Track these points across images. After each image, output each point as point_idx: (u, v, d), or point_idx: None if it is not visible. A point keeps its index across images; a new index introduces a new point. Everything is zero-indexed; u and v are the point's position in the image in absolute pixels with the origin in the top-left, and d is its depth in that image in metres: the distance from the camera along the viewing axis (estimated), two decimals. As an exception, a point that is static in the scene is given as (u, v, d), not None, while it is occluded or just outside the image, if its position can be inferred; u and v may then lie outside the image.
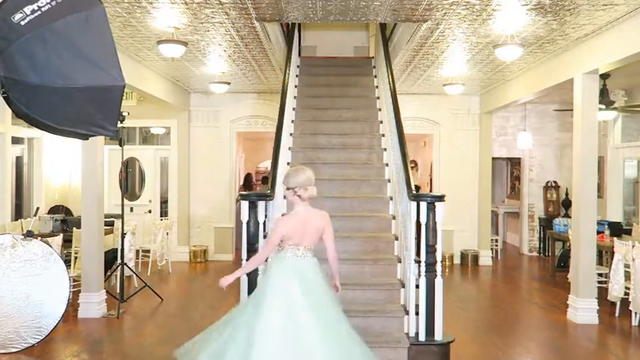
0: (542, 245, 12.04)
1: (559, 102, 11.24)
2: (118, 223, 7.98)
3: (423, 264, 4.75)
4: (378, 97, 8.29)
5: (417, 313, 4.79)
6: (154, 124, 11.26)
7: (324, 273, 4.00)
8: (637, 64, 6.39)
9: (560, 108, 11.47)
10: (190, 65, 8.40)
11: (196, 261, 10.77)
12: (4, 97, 2.79)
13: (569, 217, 9.30)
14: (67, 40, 2.68)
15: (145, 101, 10.57)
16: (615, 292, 6.85)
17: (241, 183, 12.52)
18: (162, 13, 5.79)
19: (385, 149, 7.24)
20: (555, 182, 12.00)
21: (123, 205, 7.31)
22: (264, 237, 4.92)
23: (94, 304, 6.67)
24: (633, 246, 6.54)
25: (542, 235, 11.98)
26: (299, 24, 9.84)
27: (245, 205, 4.75)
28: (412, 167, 8.78)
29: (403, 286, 5.18)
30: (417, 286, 4.80)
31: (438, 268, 4.75)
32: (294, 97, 8.19)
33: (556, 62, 7.40)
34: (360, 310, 4.94)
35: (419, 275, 4.80)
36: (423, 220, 4.74)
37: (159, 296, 7.60)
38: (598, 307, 6.69)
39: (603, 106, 8.80)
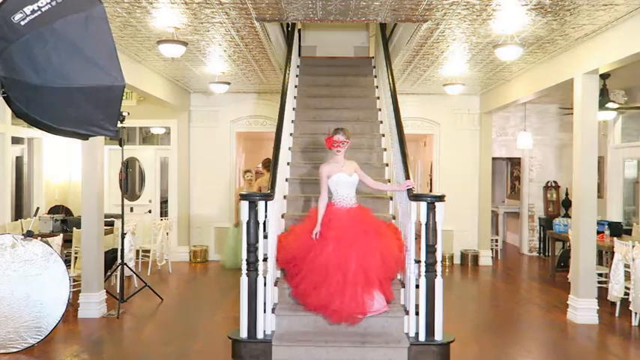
0: (542, 245, 12.04)
1: (559, 102, 11.24)
2: (118, 223, 7.98)
3: (423, 264, 4.75)
4: (378, 97, 8.28)
5: (417, 313, 4.79)
6: (154, 124, 11.26)
7: None
8: (637, 64, 6.39)
9: (560, 108, 11.48)
10: (190, 65, 8.40)
11: (196, 261, 10.77)
12: (4, 97, 2.79)
13: (569, 217, 9.30)
14: (67, 40, 2.68)
15: (145, 101, 10.57)
16: (615, 292, 6.85)
17: (259, 166, 11.51)
18: (162, 13, 5.79)
19: (385, 149, 7.24)
20: (555, 182, 12.00)
21: (123, 205, 7.31)
22: (265, 237, 4.92)
23: (94, 304, 6.67)
24: (633, 246, 6.54)
25: (542, 235, 11.98)
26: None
27: (245, 205, 4.75)
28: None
29: (403, 286, 5.18)
30: (417, 286, 4.80)
31: (438, 268, 4.75)
32: (294, 97, 8.19)
33: (556, 62, 7.40)
34: (360, 310, 4.94)
35: (419, 275, 4.80)
36: (423, 220, 4.74)
37: (159, 296, 7.60)
38: (598, 307, 6.69)
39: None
